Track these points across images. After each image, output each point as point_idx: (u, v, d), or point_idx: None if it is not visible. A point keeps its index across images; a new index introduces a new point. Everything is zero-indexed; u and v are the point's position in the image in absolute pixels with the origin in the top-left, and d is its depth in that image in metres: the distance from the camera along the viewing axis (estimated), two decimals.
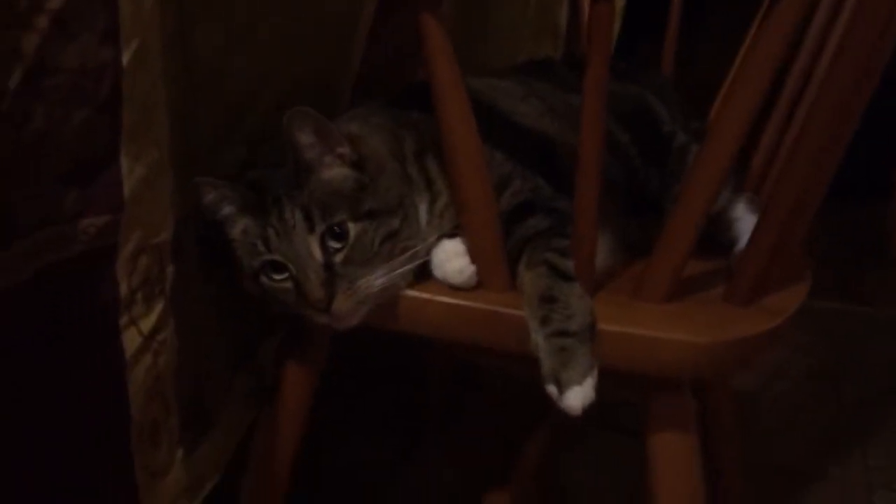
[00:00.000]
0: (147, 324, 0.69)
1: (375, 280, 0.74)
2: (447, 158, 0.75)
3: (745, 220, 0.92)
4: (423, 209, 0.80)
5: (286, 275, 0.76)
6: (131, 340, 0.67)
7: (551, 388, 0.70)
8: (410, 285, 0.79)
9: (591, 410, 0.70)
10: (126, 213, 0.64)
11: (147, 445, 0.70)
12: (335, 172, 0.76)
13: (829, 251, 2.44)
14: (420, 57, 0.72)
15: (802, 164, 0.73)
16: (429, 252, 0.79)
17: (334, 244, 0.74)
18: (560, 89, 0.98)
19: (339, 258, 0.74)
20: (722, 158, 0.71)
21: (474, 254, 0.77)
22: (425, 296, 0.78)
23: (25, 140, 0.55)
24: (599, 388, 0.71)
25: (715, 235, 0.91)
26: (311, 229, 0.74)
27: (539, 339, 0.71)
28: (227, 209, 0.78)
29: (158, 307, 0.70)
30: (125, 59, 0.61)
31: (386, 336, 0.80)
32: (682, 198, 0.73)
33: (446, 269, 0.78)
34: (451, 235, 0.79)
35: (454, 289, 0.78)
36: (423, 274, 0.79)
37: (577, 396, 0.69)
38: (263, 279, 0.77)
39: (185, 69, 0.74)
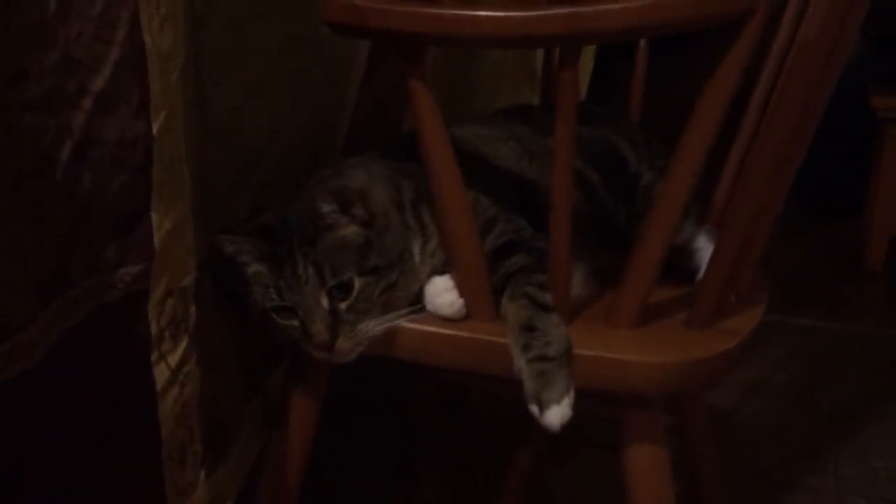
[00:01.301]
0: (174, 358, 0.77)
1: (374, 326, 0.83)
2: (437, 207, 0.84)
3: (706, 251, 0.98)
4: (416, 251, 0.88)
5: (294, 317, 0.84)
6: (161, 373, 0.76)
7: (533, 408, 0.78)
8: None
9: (569, 427, 0.78)
10: (156, 262, 0.73)
11: (175, 466, 0.78)
12: (348, 231, 0.84)
13: (804, 267, 2.52)
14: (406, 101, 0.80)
15: (752, 194, 0.81)
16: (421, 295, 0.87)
17: (340, 295, 0.83)
18: (538, 133, 1.06)
19: (343, 306, 0.83)
20: (677, 199, 0.80)
21: (462, 289, 0.85)
22: (418, 327, 0.86)
23: (76, 204, 0.64)
24: (577, 407, 0.78)
25: (680, 265, 0.99)
26: (322, 284, 0.82)
27: (521, 364, 0.79)
28: (243, 258, 0.86)
29: (183, 343, 0.79)
30: (155, 128, 0.71)
31: (379, 363, 0.87)
32: (644, 234, 0.82)
33: (437, 302, 0.86)
34: (441, 272, 0.88)
35: (444, 320, 0.86)
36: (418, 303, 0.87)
37: (556, 414, 0.77)
38: (273, 316, 0.85)
39: (202, 126, 0.83)
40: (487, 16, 0.73)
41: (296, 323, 0.84)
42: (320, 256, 0.83)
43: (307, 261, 0.83)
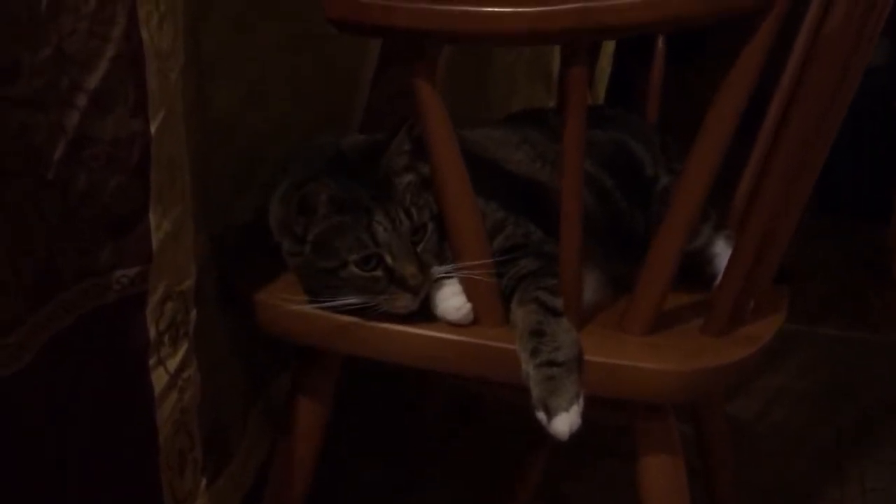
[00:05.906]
0: (173, 363, 0.76)
1: (440, 270, 0.84)
2: (443, 210, 0.82)
3: (725, 256, 0.96)
4: None
5: (378, 268, 0.82)
6: (159, 378, 0.74)
7: (541, 415, 0.76)
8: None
9: (581, 434, 0.76)
10: (154, 265, 0.72)
11: (174, 474, 0.77)
12: (412, 178, 0.86)
13: (830, 275, 2.48)
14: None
15: (770, 196, 0.78)
16: None
17: (416, 238, 0.84)
18: (550, 137, 1.05)
19: (420, 248, 0.84)
20: (693, 199, 0.77)
21: (470, 293, 0.83)
22: (425, 332, 0.83)
23: (69, 204, 0.62)
24: (591, 414, 0.76)
25: (698, 271, 0.97)
26: (411, 225, 0.83)
27: (529, 370, 0.77)
28: (328, 208, 0.83)
29: (183, 348, 0.77)
30: (153, 128, 0.69)
31: (388, 367, 0.85)
32: (659, 236, 0.80)
33: (445, 307, 0.84)
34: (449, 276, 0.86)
35: (452, 325, 0.83)
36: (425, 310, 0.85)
37: (564, 422, 0.75)
38: (352, 269, 0.82)
39: (202, 126, 0.82)
40: (493, 12, 0.71)
41: (379, 273, 0.83)
42: (405, 202, 0.84)
43: (396, 206, 0.83)
